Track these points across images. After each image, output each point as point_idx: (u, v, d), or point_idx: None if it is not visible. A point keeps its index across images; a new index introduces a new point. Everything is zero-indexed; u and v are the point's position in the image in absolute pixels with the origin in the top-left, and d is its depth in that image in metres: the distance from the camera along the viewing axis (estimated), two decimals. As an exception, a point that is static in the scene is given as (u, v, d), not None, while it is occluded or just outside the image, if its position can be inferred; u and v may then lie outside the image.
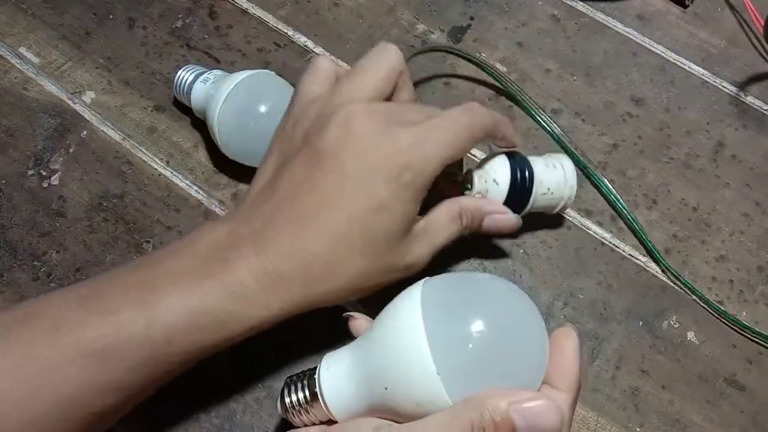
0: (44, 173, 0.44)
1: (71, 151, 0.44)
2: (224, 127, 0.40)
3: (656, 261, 0.42)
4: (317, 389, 0.30)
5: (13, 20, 0.49)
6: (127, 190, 0.43)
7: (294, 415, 0.31)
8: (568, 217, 0.44)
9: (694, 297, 0.41)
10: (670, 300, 0.41)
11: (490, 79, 0.48)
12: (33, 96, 0.46)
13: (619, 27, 0.51)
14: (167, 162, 0.44)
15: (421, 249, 0.34)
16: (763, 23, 0.47)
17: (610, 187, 0.44)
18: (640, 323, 0.41)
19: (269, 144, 0.36)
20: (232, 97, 0.40)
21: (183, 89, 0.43)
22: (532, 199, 0.38)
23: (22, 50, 0.48)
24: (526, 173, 0.38)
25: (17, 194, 0.43)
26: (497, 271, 0.42)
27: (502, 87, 0.47)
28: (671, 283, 0.42)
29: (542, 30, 0.50)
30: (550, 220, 0.43)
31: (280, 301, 0.31)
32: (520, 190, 0.38)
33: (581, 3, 0.52)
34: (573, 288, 0.41)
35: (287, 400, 0.31)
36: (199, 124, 0.45)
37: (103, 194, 0.43)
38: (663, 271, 0.42)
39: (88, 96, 0.46)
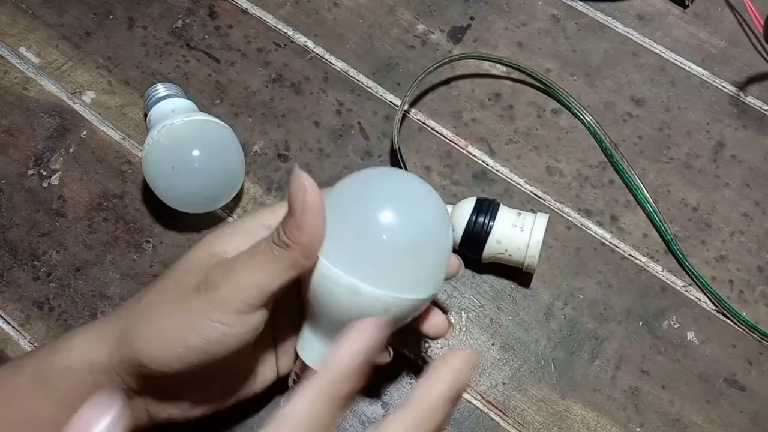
0: (44, 173, 0.44)
1: (71, 151, 0.44)
2: (147, 167, 0.40)
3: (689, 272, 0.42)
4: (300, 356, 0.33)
5: (13, 20, 0.49)
6: (127, 190, 0.43)
7: None
8: (568, 218, 0.44)
9: (710, 297, 0.41)
10: (670, 300, 0.41)
11: (488, 80, 0.48)
12: (33, 96, 0.46)
13: (619, 27, 0.51)
14: (167, 162, 0.44)
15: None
16: (763, 23, 0.47)
17: (640, 184, 0.43)
18: (640, 323, 0.41)
19: None
20: (156, 141, 0.39)
21: (149, 100, 0.43)
22: (485, 253, 0.39)
23: (22, 50, 0.48)
24: (482, 229, 0.38)
25: (17, 194, 0.43)
26: (497, 270, 0.42)
27: (544, 88, 0.47)
28: (671, 283, 0.42)
29: (542, 30, 0.50)
30: (550, 221, 0.43)
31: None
32: (471, 243, 0.39)
33: (581, 3, 0.52)
34: (573, 288, 0.41)
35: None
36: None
37: (103, 194, 0.43)
38: (685, 271, 0.42)
39: (88, 96, 0.46)
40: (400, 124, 0.44)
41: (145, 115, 0.43)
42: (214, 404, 0.33)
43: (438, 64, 0.45)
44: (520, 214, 0.39)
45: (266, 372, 0.35)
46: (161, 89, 0.43)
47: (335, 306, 0.30)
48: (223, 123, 0.41)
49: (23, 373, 0.31)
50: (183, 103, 0.42)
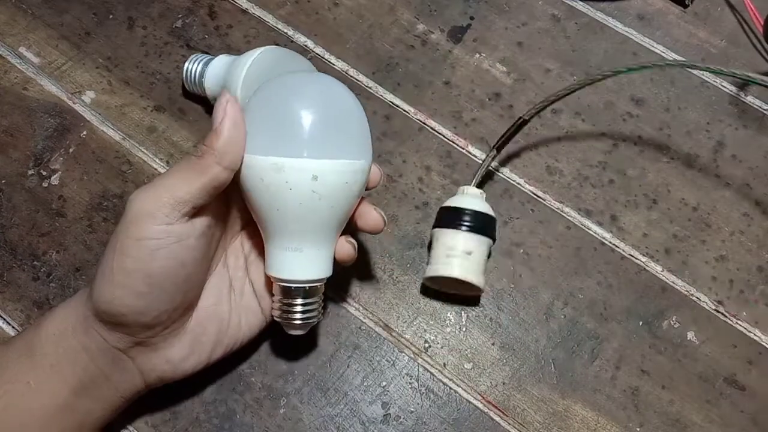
0: (44, 173, 0.44)
1: (71, 151, 0.44)
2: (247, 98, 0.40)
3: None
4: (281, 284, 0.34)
5: (13, 20, 0.49)
6: (127, 190, 0.43)
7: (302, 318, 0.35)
8: (568, 217, 0.44)
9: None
10: (670, 300, 0.41)
11: (489, 80, 0.48)
12: (33, 96, 0.46)
13: (619, 27, 0.51)
14: (167, 162, 0.44)
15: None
16: (763, 23, 0.47)
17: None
18: (640, 323, 0.41)
19: None
20: (253, 69, 0.39)
21: (194, 78, 0.43)
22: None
23: (22, 50, 0.48)
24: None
25: (17, 194, 0.43)
26: (497, 270, 0.42)
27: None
28: (671, 283, 0.42)
29: (542, 30, 0.50)
30: (550, 221, 0.43)
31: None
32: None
33: (581, 3, 0.52)
34: (573, 288, 0.41)
35: (297, 318, 0.34)
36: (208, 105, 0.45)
37: (103, 194, 0.43)
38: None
39: (88, 96, 0.46)
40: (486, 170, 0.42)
41: (184, 90, 0.45)
42: (203, 356, 0.34)
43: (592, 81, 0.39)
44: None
45: (251, 319, 0.36)
46: (196, 61, 0.44)
47: (269, 195, 0.32)
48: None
49: (15, 346, 0.32)
50: (226, 57, 0.43)
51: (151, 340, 0.32)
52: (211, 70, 0.42)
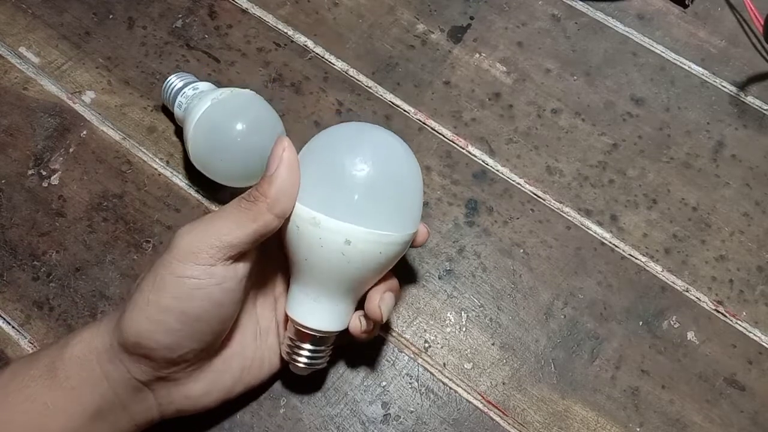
0: (44, 173, 0.43)
1: (71, 150, 0.44)
2: (196, 142, 0.40)
3: None
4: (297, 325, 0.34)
5: (13, 20, 0.49)
6: (127, 190, 0.43)
7: (312, 360, 0.35)
8: (568, 217, 0.44)
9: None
10: (670, 300, 0.41)
11: (489, 80, 0.48)
12: (33, 96, 0.46)
13: (619, 27, 0.51)
14: (167, 162, 0.44)
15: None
16: (763, 23, 0.47)
17: None
18: (640, 323, 0.41)
19: None
20: (206, 114, 0.39)
21: (170, 95, 0.43)
22: None
23: (22, 50, 0.48)
24: None
25: (17, 194, 0.43)
26: (497, 270, 0.42)
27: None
28: (671, 283, 0.42)
29: (542, 30, 0.50)
30: (550, 221, 0.43)
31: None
32: None
33: (581, 3, 0.52)
34: (573, 288, 0.41)
35: (302, 361, 0.35)
36: (181, 131, 0.45)
37: (103, 194, 0.43)
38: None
39: (88, 96, 0.46)
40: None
41: (164, 107, 0.44)
42: (223, 393, 0.34)
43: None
44: None
45: (273, 360, 0.36)
46: (180, 78, 0.43)
47: (301, 243, 0.32)
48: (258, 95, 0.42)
49: (37, 365, 0.32)
50: (206, 85, 0.42)
51: (174, 375, 0.32)
52: (181, 99, 0.42)
